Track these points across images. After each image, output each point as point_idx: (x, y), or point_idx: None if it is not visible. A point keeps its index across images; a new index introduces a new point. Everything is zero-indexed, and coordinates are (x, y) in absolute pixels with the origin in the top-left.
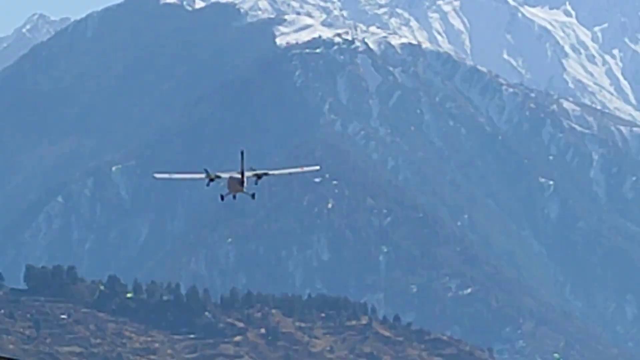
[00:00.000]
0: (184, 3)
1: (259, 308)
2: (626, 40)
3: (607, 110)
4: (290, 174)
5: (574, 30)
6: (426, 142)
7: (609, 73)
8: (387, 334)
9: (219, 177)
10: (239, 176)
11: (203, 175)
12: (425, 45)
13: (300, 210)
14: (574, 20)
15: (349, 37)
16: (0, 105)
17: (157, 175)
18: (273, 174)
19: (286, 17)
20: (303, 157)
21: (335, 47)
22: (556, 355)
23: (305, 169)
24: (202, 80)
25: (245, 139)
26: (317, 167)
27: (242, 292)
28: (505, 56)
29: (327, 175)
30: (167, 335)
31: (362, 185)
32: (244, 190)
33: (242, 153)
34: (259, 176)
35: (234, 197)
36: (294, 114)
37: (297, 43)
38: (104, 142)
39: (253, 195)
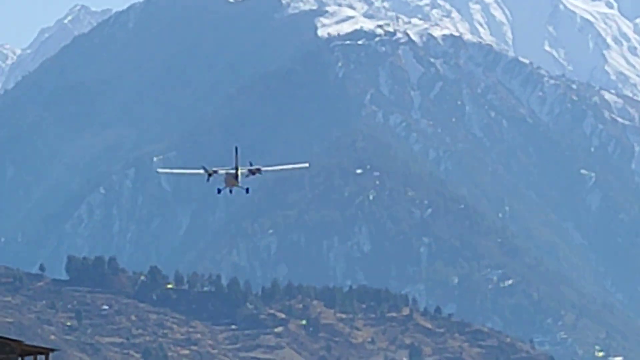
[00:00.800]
0: None
1: (300, 299)
2: None
3: None
4: (281, 170)
5: (615, 22)
6: (467, 134)
7: None
8: (428, 325)
9: (216, 172)
10: (234, 172)
11: (202, 171)
12: (467, 36)
13: (342, 202)
14: (615, 12)
15: (391, 29)
16: (42, 96)
17: (160, 170)
18: (266, 170)
19: (328, 8)
20: (344, 149)
21: (377, 38)
22: (597, 347)
23: (296, 166)
24: (243, 71)
25: (285, 130)
26: (306, 165)
27: (283, 283)
28: (547, 48)
29: (368, 167)
30: (208, 326)
31: (404, 176)
32: (239, 184)
33: (236, 149)
34: (252, 172)
35: (231, 191)
36: (335, 105)
37: (338, 35)
38: (146, 133)
39: (247, 190)
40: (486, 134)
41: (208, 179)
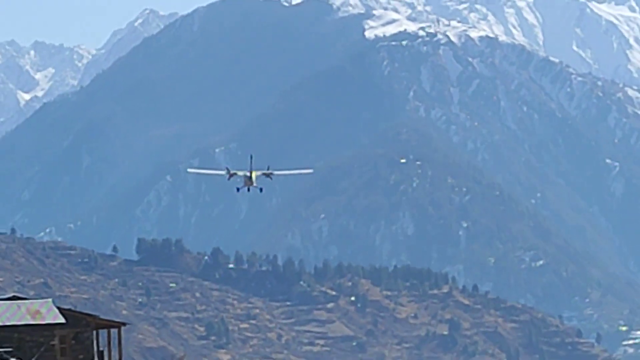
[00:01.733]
0: (282, 0)
1: (349, 278)
2: None
3: None
4: (289, 174)
5: (637, 24)
6: (502, 127)
7: None
8: (466, 302)
9: (235, 174)
10: (249, 174)
11: (224, 172)
12: (502, 37)
13: (387, 189)
14: (638, 15)
15: (432, 31)
16: (114, 92)
17: (190, 170)
18: (277, 174)
19: (374, 12)
20: (390, 140)
21: (419, 39)
22: (621, 322)
23: (302, 171)
24: (297, 70)
25: (336, 124)
26: (311, 170)
27: (333, 263)
28: (575, 48)
29: (411, 157)
30: (265, 302)
31: (444, 165)
32: (254, 184)
33: (250, 157)
34: (266, 175)
35: (248, 189)
36: (381, 100)
37: (384, 36)
38: (208, 126)
39: (261, 189)
40: (519, 127)
41: (229, 179)
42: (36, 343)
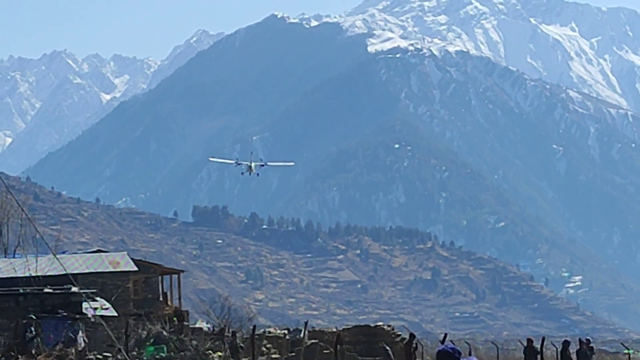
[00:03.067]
0: (304, 22)
1: (355, 236)
2: (614, 48)
3: (600, 98)
4: (276, 165)
5: (577, 41)
6: (473, 120)
7: (602, 72)
8: (445, 254)
9: (241, 164)
10: (250, 165)
11: (234, 162)
12: (472, 51)
13: (385, 167)
14: (577, 34)
15: (419, 46)
16: (175, 94)
17: (211, 159)
18: (269, 165)
19: (375, 32)
20: (387, 130)
21: (409, 53)
22: (564, 269)
23: (286, 163)
24: (315, 76)
25: (345, 118)
26: (292, 163)
27: (343, 225)
28: (529, 59)
29: (403, 143)
30: (291, 255)
31: (428, 150)
32: (254, 171)
33: (251, 153)
34: (261, 165)
35: (250, 173)
36: (380, 100)
37: (382, 50)
38: (247, 119)
39: (257, 174)
40: (486, 120)
41: (236, 166)
42: (115, 286)
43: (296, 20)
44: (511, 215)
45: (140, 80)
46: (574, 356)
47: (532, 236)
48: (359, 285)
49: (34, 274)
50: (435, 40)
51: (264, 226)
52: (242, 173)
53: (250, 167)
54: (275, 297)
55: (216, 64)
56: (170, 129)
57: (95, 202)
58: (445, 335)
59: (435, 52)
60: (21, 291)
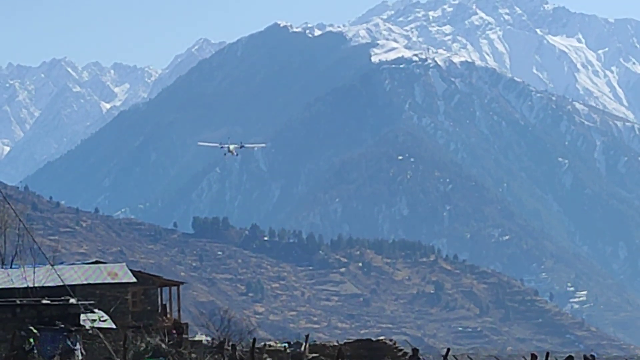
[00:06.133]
0: (307, 32)
1: (357, 248)
2: (621, 60)
3: (607, 110)
4: (252, 147)
5: (583, 52)
6: (477, 132)
7: (609, 83)
8: (448, 267)
9: (223, 147)
10: (229, 147)
11: (219, 145)
12: (478, 62)
13: (388, 179)
14: (584, 45)
15: (424, 57)
16: (175, 103)
17: (200, 143)
18: (248, 147)
19: (379, 42)
20: (390, 141)
21: (414, 63)
22: (569, 284)
23: (258, 145)
24: (318, 86)
25: (348, 128)
26: (264, 144)
27: (345, 237)
28: (535, 71)
29: (406, 155)
30: (292, 267)
31: (432, 162)
32: (234, 153)
33: (228, 138)
34: (240, 147)
35: (232, 153)
36: (384, 110)
37: (386, 60)
38: (248, 129)
39: (237, 154)
40: (491, 132)
41: (221, 148)
42: (114, 297)
43: (299, 30)
44: (515, 229)
45: (141, 89)
46: None
47: (536, 250)
48: (361, 299)
49: (31, 285)
50: (440, 50)
51: (265, 238)
52: (225, 154)
53: (229, 149)
54: (276, 310)
55: (218, 73)
56: (171, 138)
57: (94, 212)
58: (448, 350)
59: (440, 63)
60: (18, 302)
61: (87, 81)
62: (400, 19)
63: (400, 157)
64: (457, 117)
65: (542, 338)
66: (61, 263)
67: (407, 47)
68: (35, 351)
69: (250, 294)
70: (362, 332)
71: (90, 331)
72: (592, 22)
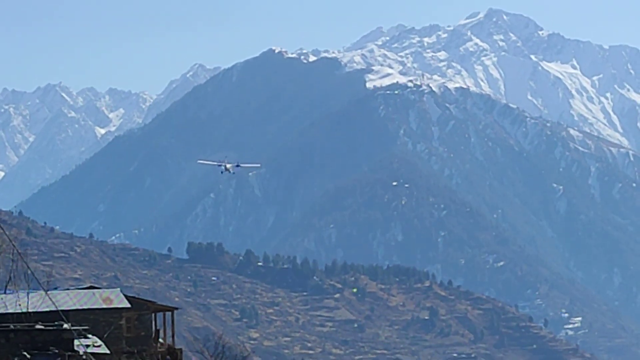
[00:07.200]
0: (302, 57)
1: (352, 274)
2: (615, 86)
3: (601, 136)
4: (246, 166)
5: (578, 79)
6: (472, 158)
7: (603, 110)
8: (443, 293)
9: (221, 165)
10: (227, 166)
11: (217, 164)
12: (472, 88)
13: (382, 205)
14: (578, 71)
15: (418, 83)
16: (170, 128)
17: (200, 161)
18: (243, 166)
19: (373, 67)
20: (385, 168)
21: (408, 89)
22: (563, 310)
23: (253, 165)
24: (313, 111)
25: (342, 154)
26: (258, 165)
27: (340, 263)
28: (529, 97)
29: (401, 180)
30: (287, 293)
31: (426, 187)
32: (231, 171)
33: (225, 157)
34: (237, 165)
35: (229, 172)
36: (378, 136)
37: (381, 86)
38: (243, 154)
39: (234, 172)
40: (485, 158)
41: (219, 166)
42: (107, 323)
43: (294, 55)
44: (510, 255)
45: (136, 114)
46: None
47: (531, 276)
48: (356, 325)
49: (25, 310)
50: (435, 76)
51: (260, 263)
52: (222, 172)
53: (226, 167)
54: (270, 335)
55: (212, 99)
56: (166, 164)
57: (88, 237)
58: None
59: (435, 89)
60: (12, 327)
61: (82, 106)
62: (395, 45)
63: (394, 183)
64: (452, 143)
65: None
66: (55, 288)
67: (401, 73)
68: None
69: (245, 320)
70: (356, 358)
71: (84, 357)
72: (587, 49)
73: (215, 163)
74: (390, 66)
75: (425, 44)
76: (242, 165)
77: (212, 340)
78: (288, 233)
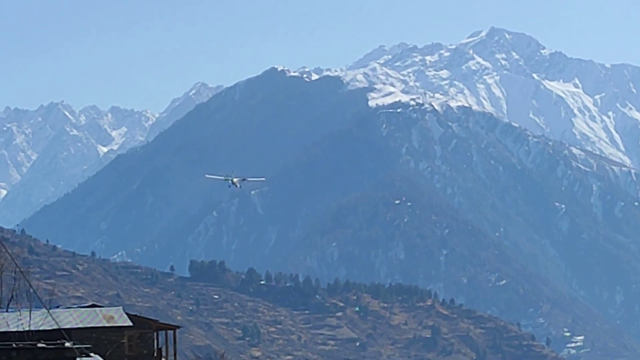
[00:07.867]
0: (304, 76)
1: (354, 292)
2: (618, 105)
3: (603, 155)
4: (252, 181)
5: (580, 98)
6: (474, 176)
7: (606, 129)
8: (445, 312)
9: (228, 179)
10: (234, 180)
11: (224, 178)
12: (475, 107)
13: (385, 223)
14: (580, 90)
15: (421, 101)
16: (173, 147)
17: (207, 176)
18: (249, 180)
19: (376, 86)
20: (387, 186)
21: (411, 108)
22: (565, 329)
23: (257, 179)
24: (316, 130)
25: (345, 173)
26: (263, 179)
27: (342, 281)
28: (532, 115)
29: (403, 199)
30: (289, 311)
31: (429, 206)
32: (238, 186)
33: (232, 171)
34: (243, 179)
35: (236, 186)
36: (380, 155)
37: (383, 105)
38: (246, 173)
39: (240, 186)
40: (487, 177)
41: (226, 180)
42: (110, 341)
43: (296, 74)
44: (512, 273)
45: (138, 132)
46: None
47: (533, 295)
48: (358, 343)
49: (27, 329)
50: (437, 95)
51: (262, 282)
52: (229, 186)
53: (233, 182)
54: (272, 354)
55: (215, 117)
56: (168, 182)
57: (90, 255)
58: None
59: (437, 107)
60: (14, 346)
61: (85, 125)
62: (398, 63)
63: (397, 202)
64: (454, 161)
65: None
66: (57, 307)
67: (404, 92)
68: None
69: (247, 338)
70: None
71: None
72: (589, 68)
73: (222, 177)
74: (392, 84)
75: (428, 62)
76: (248, 179)
77: (214, 359)
78: (290, 251)
